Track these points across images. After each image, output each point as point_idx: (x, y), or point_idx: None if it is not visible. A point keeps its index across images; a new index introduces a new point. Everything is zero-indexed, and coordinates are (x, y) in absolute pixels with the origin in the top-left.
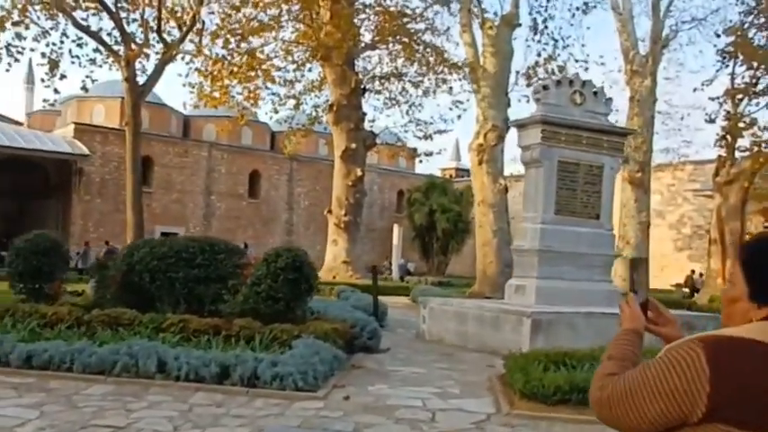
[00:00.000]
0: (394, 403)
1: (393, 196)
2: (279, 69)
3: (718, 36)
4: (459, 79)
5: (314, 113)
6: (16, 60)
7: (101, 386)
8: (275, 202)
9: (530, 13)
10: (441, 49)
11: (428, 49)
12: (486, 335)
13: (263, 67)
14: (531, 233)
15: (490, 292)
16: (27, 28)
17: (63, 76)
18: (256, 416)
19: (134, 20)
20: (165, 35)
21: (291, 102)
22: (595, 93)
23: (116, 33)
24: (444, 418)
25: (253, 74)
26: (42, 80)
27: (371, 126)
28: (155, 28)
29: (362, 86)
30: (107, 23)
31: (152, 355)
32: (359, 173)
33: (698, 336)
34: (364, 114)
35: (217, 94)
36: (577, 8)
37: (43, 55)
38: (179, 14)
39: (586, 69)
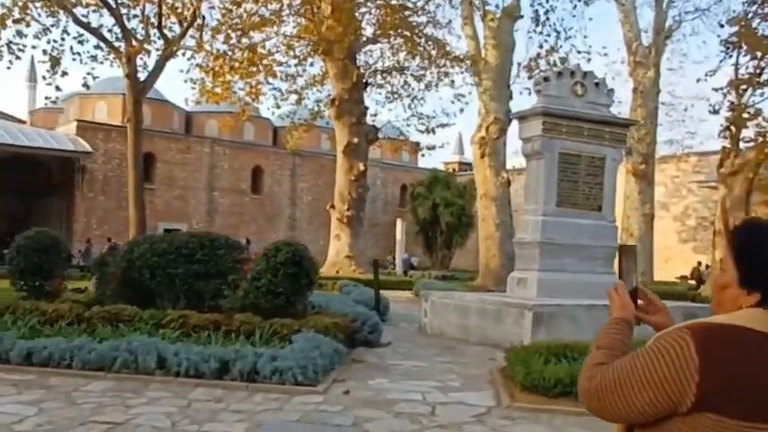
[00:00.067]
0: (394, 397)
1: (396, 190)
2: (280, 64)
3: (722, 26)
4: (462, 72)
5: (316, 108)
6: (18, 58)
7: (100, 382)
8: (278, 198)
9: (531, 5)
10: (442, 43)
11: (430, 43)
12: (487, 328)
13: (265, 62)
14: (533, 225)
15: (493, 285)
16: (28, 25)
17: (64, 74)
18: (255, 411)
19: (135, 16)
20: (165, 31)
21: (293, 97)
22: (597, 84)
23: (117, 30)
24: (444, 412)
25: (254, 69)
26: (44, 78)
27: (374, 120)
28: (155, 24)
29: (364, 80)
30: (108, 20)
31: (152, 351)
32: (361, 167)
33: (687, 324)
34: (366, 109)
35: (218, 90)
36: None
37: (44, 52)
38: (179, 10)
39: (589, 61)
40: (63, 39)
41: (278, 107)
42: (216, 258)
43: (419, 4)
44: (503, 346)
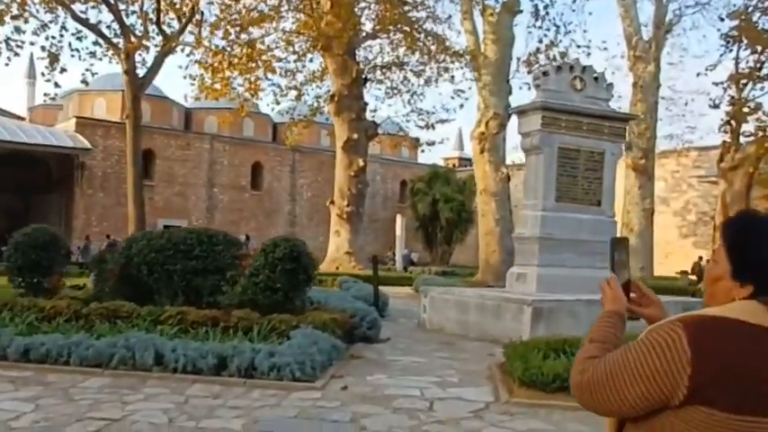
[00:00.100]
0: (392, 393)
1: (396, 186)
2: (279, 60)
3: (722, 20)
4: (461, 67)
5: (315, 104)
6: (16, 54)
7: (98, 379)
8: (278, 194)
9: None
10: (442, 38)
11: (429, 38)
12: (487, 323)
13: (264, 57)
14: (532, 220)
15: (493, 280)
16: (26, 21)
17: (63, 70)
18: (253, 407)
19: (133, 12)
20: (164, 27)
21: (293, 92)
22: (596, 78)
23: (115, 26)
24: (442, 408)
25: (253, 65)
26: (43, 74)
27: (373, 116)
28: (154, 20)
29: (364, 76)
30: (106, 16)
31: (149, 348)
32: (361, 163)
33: (680, 316)
34: (366, 104)
35: (218, 86)
36: None
37: (43, 48)
38: (178, 6)
39: (588, 55)
40: (62, 35)
41: (277, 103)
42: (214, 254)
43: None
44: (502, 341)
